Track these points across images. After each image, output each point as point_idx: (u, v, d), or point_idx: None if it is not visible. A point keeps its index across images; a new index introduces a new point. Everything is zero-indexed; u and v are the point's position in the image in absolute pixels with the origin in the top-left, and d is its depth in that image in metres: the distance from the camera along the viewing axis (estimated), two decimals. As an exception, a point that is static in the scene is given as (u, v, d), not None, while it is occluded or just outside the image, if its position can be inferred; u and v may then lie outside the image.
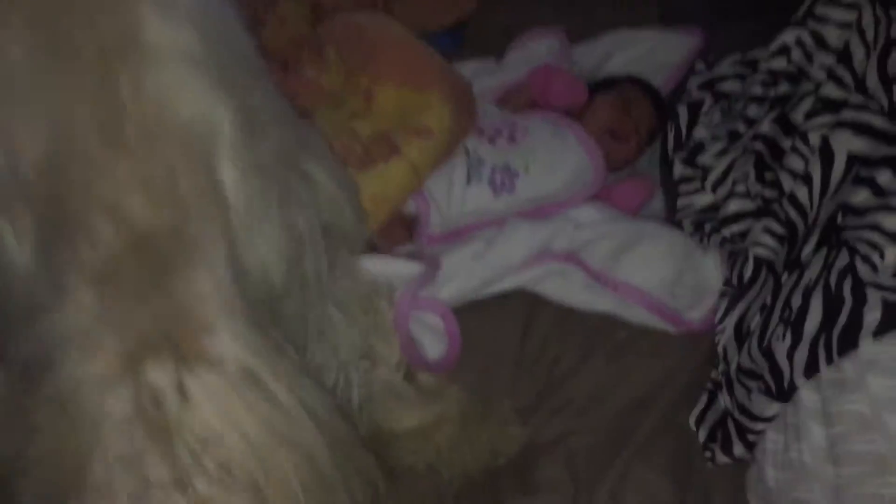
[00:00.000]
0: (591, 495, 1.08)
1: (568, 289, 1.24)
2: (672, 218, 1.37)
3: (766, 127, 1.18)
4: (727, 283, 1.23)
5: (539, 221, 1.26)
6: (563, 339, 1.24)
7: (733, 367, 1.10)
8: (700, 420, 1.14)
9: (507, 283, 1.24)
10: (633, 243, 1.27)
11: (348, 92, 1.30)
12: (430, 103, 1.26)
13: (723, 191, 1.26)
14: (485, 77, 1.52)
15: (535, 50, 1.56)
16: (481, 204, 1.34)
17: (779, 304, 1.02)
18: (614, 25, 1.63)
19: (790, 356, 0.95)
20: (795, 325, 0.95)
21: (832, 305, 0.92)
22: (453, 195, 1.32)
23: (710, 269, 1.27)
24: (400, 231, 1.34)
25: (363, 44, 1.30)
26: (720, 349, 1.14)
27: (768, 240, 1.10)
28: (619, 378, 1.20)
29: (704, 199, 1.29)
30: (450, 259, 1.23)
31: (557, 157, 1.38)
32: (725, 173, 1.26)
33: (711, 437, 1.11)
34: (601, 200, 1.37)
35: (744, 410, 1.02)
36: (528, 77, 1.48)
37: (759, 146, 1.17)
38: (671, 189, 1.39)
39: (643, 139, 1.45)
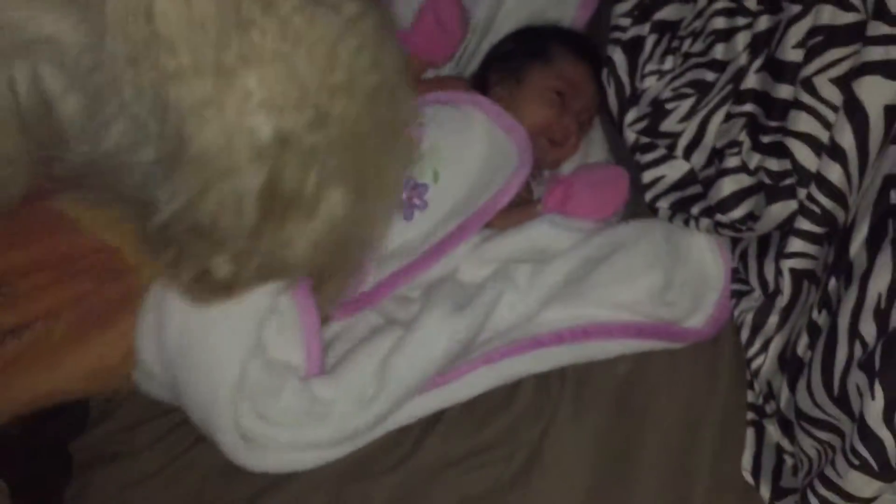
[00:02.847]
0: None
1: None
2: (633, 191, 1.08)
3: (752, 80, 0.88)
4: (738, 277, 0.96)
5: (459, 306, 0.95)
6: (545, 396, 0.96)
7: (785, 404, 0.85)
8: (756, 469, 0.89)
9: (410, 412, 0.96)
10: (603, 257, 0.98)
11: None
12: None
13: (699, 157, 0.97)
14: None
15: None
16: (395, 238, 1.03)
17: (841, 332, 0.76)
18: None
19: (889, 420, 0.69)
20: (884, 374, 0.69)
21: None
22: None
23: (705, 258, 1.01)
24: None
25: None
26: (762, 382, 0.88)
27: (803, 245, 0.83)
28: (634, 429, 0.94)
29: (677, 168, 1.00)
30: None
31: (466, 145, 1.06)
32: (699, 134, 0.96)
33: (778, 492, 0.87)
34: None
35: (827, 482, 0.76)
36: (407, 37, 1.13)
37: (749, 107, 0.88)
38: (624, 156, 1.09)
39: (586, 131, 1.13)
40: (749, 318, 0.91)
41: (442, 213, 1.03)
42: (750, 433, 0.91)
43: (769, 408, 0.90)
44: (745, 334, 0.91)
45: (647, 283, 0.97)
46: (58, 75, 0.74)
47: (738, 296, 0.95)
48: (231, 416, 0.88)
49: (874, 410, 0.70)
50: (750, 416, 0.92)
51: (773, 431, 0.90)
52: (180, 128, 0.71)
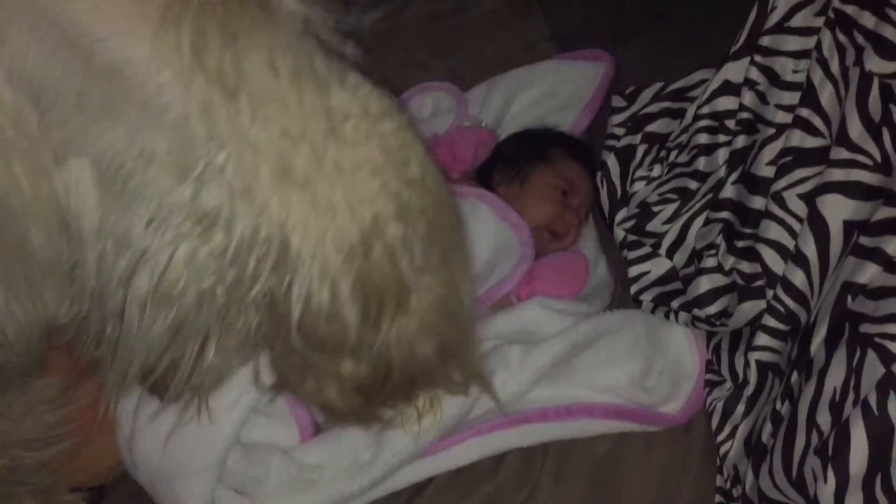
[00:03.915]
0: None
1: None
2: (620, 285, 1.18)
3: (729, 191, 0.98)
4: (711, 368, 1.04)
5: None
6: (528, 468, 1.03)
7: (749, 487, 0.91)
8: (720, 549, 0.95)
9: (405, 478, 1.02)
10: (588, 342, 1.06)
11: None
12: None
13: (681, 256, 1.07)
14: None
15: (419, 108, 1.31)
16: None
17: (800, 421, 0.83)
18: (502, 58, 1.41)
19: (840, 502, 0.76)
20: (835, 460, 0.77)
21: (882, 437, 0.74)
22: None
23: (683, 349, 1.08)
24: None
25: None
26: (729, 466, 0.96)
27: (769, 340, 0.91)
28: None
29: (661, 265, 1.09)
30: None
31: (473, 235, 1.14)
32: (681, 236, 1.06)
33: (740, 572, 0.93)
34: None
35: (786, 560, 0.83)
36: None
37: (726, 214, 0.98)
38: (613, 252, 1.19)
39: (582, 224, 1.23)
40: (720, 405, 0.98)
41: None
42: (717, 514, 0.98)
43: (735, 491, 0.96)
44: (715, 421, 0.98)
45: (628, 369, 1.05)
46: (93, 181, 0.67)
47: (710, 385, 1.02)
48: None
49: (826, 493, 0.77)
50: (718, 498, 0.99)
51: (739, 516, 0.96)
52: (255, 217, 0.66)
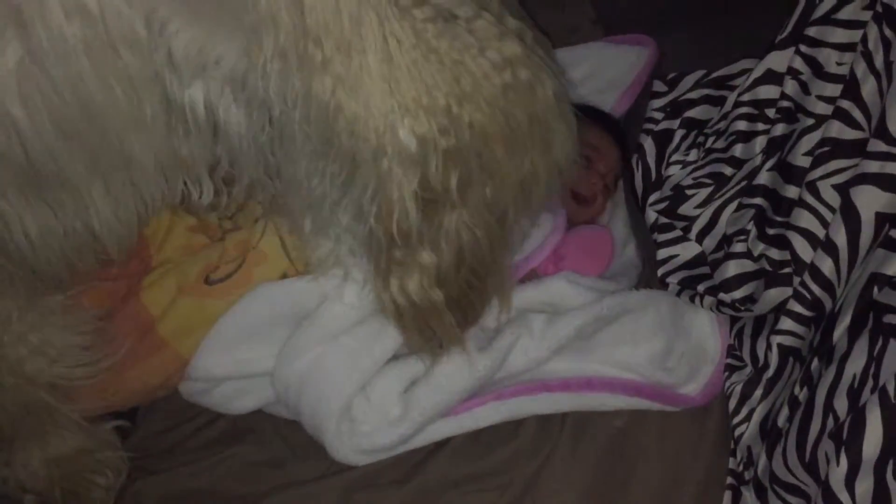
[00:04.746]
0: None
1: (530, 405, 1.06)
2: (648, 267, 1.19)
3: (764, 177, 0.99)
4: (733, 352, 1.05)
5: (480, 347, 1.05)
6: (545, 436, 1.05)
7: (762, 470, 0.93)
8: (727, 529, 0.97)
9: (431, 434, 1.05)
10: (612, 318, 1.08)
11: None
12: None
13: (710, 241, 1.08)
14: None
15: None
16: None
17: (817, 406, 0.85)
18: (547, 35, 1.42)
19: (850, 486, 0.78)
20: (850, 444, 0.78)
21: (896, 422, 0.75)
22: None
23: (706, 333, 1.10)
24: None
25: None
26: (743, 448, 0.97)
27: (792, 325, 0.93)
28: (622, 479, 1.02)
29: (690, 249, 1.10)
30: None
31: None
32: (712, 222, 1.07)
33: (746, 552, 0.95)
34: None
35: (793, 541, 0.85)
36: None
37: (759, 200, 0.99)
38: (643, 235, 1.20)
39: (610, 193, 1.24)
40: (738, 388, 1.00)
41: None
42: (727, 496, 0.99)
43: (747, 474, 0.98)
44: (732, 403, 1.00)
45: (650, 348, 1.07)
46: (224, 93, 0.78)
47: (731, 369, 1.04)
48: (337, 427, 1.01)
49: (837, 475, 0.78)
50: (729, 480, 1.01)
51: (748, 497, 0.98)
52: (328, 125, 0.74)
